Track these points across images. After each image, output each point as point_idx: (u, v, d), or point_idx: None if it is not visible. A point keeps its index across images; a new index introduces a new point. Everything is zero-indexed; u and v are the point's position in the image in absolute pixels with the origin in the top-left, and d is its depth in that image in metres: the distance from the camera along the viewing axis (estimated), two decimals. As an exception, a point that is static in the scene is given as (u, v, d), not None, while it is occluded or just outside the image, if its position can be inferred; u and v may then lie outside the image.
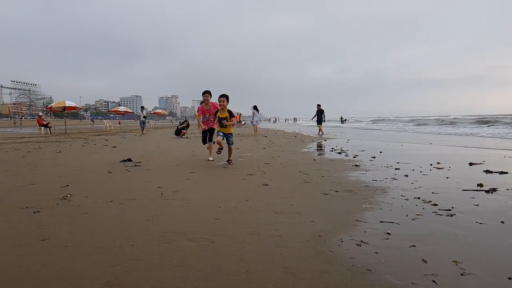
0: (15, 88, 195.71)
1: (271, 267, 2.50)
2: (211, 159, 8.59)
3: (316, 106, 23.78)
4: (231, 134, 7.94)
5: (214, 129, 8.40)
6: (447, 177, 5.90)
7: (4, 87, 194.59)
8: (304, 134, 22.63)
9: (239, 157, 9.41)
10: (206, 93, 8.61)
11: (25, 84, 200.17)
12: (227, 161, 7.98)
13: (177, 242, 3.01)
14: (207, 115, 8.76)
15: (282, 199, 4.47)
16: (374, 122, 62.61)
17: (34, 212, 3.95)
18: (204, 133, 8.95)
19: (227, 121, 7.80)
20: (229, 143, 7.96)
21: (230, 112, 7.90)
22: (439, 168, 6.89)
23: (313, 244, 2.93)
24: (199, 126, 30.62)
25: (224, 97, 7.78)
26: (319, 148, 12.17)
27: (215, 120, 8.13)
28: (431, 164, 7.36)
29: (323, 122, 23.54)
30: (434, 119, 56.18)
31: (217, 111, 8.03)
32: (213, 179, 6.06)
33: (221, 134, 7.80)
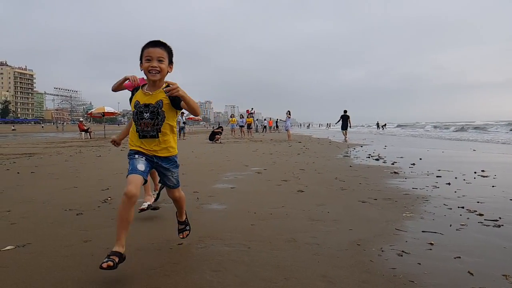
0: (57, 95, 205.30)
1: (309, 275, 2.46)
2: (145, 206, 4.04)
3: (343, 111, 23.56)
4: (171, 159, 2.82)
5: None
6: (493, 186, 5.63)
7: (48, 94, 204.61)
8: (338, 141, 22.32)
9: (272, 162, 9.39)
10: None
11: (66, 90, 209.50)
12: (178, 231, 3.20)
13: (214, 247, 3.02)
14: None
15: (318, 206, 4.40)
16: (410, 128, 60.96)
17: (77, 214, 4.09)
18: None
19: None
20: (169, 186, 2.98)
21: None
22: (484, 176, 6.59)
23: (352, 253, 2.86)
24: (232, 131, 31.04)
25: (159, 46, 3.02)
26: (355, 155, 11.94)
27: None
28: (475, 172, 7.05)
29: (349, 128, 23.28)
30: (475, 125, 54.09)
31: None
32: (247, 185, 6.07)
33: (140, 163, 2.66)
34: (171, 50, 2.73)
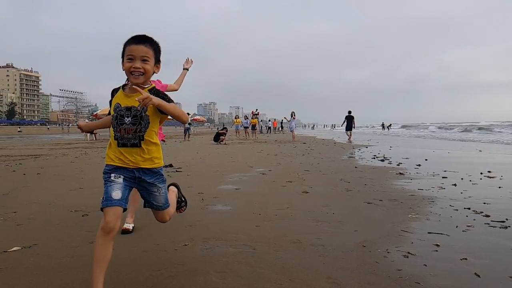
0: (63, 96, 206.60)
1: (314, 277, 2.46)
2: (129, 227, 3.56)
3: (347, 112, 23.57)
4: (156, 171, 2.38)
5: None
6: (499, 187, 5.59)
7: (53, 96, 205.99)
8: (343, 142, 22.28)
9: (277, 163, 9.38)
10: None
11: (72, 92, 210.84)
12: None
13: (219, 248, 3.02)
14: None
15: (323, 207, 4.39)
16: (415, 129, 60.74)
17: (83, 216, 4.11)
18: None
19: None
20: (157, 206, 2.47)
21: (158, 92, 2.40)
22: (490, 177, 6.54)
23: (357, 255, 2.85)
24: (237, 133, 31.05)
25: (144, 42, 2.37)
26: (360, 156, 11.90)
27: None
28: (481, 173, 7.00)
29: (353, 129, 23.29)
30: (480, 125, 53.80)
31: None
32: (252, 186, 6.07)
33: (116, 189, 2.21)
34: (158, 47, 2.34)
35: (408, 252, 2.87)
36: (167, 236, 3.35)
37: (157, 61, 2.32)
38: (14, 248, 3.01)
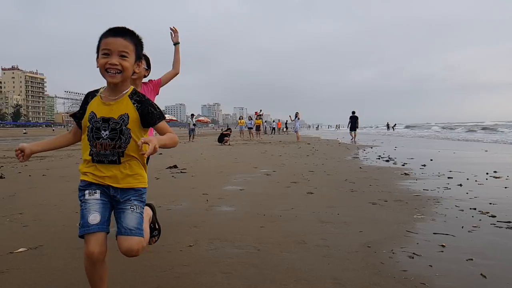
0: (68, 98, 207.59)
1: (319, 278, 2.45)
2: None
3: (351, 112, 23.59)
4: (137, 190, 2.02)
5: None
6: (505, 187, 5.56)
7: (58, 97, 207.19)
8: (348, 142, 22.23)
9: (281, 164, 9.38)
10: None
11: (77, 94, 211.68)
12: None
13: (224, 249, 3.03)
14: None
15: (328, 208, 4.38)
16: (418, 129, 60.49)
17: (88, 216, 4.12)
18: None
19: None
20: (125, 230, 1.97)
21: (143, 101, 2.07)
22: (496, 177, 6.51)
23: (362, 255, 2.84)
24: (241, 133, 31.05)
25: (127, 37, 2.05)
26: (365, 156, 11.87)
27: None
28: (487, 173, 6.96)
29: (357, 129, 23.33)
30: (484, 125, 53.49)
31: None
32: (256, 186, 6.07)
33: (93, 212, 1.92)
34: (140, 42, 2.02)
35: (414, 253, 2.86)
36: (172, 237, 3.35)
37: (139, 58, 2.01)
38: (20, 249, 3.03)
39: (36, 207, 4.62)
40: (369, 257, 2.80)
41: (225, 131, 22.48)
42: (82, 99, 2.11)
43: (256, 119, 30.58)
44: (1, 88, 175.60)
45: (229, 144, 19.96)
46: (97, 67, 1.92)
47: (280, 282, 2.39)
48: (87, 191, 1.94)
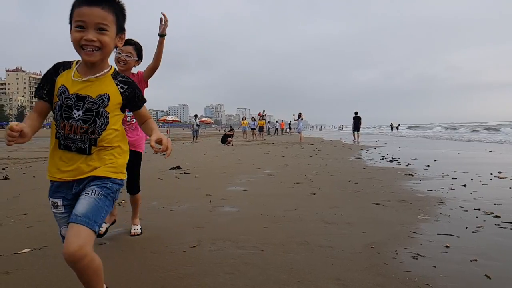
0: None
1: (323, 278, 2.45)
2: (102, 229, 3.26)
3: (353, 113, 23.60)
4: (108, 181, 1.73)
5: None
6: (510, 188, 5.53)
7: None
8: (351, 143, 22.19)
9: (284, 165, 9.37)
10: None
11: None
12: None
13: (227, 249, 3.03)
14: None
15: (332, 209, 4.38)
16: (421, 129, 60.31)
17: (92, 217, 4.13)
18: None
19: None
20: (74, 216, 1.64)
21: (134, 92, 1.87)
22: (500, 178, 6.48)
23: (366, 256, 2.84)
24: (244, 134, 31.05)
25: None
26: (369, 157, 11.84)
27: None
28: (491, 174, 6.93)
29: (360, 130, 23.33)
30: (487, 125, 53.28)
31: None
32: (259, 187, 6.07)
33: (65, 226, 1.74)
34: (122, 9, 1.69)
35: (417, 254, 2.85)
36: (175, 237, 3.36)
37: (120, 30, 1.69)
38: (25, 250, 3.05)
39: (40, 208, 4.63)
40: (372, 258, 2.79)
41: (228, 131, 22.51)
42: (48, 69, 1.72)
43: (259, 119, 30.58)
44: (5, 89, 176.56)
45: (232, 145, 19.97)
46: (71, 41, 1.61)
47: (284, 282, 2.39)
48: (50, 201, 1.74)
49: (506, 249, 2.95)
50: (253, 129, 29.79)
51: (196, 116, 28.68)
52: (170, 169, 8.62)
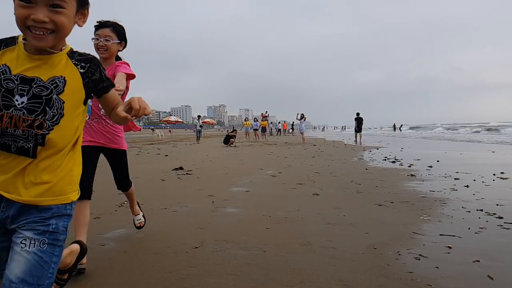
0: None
1: (325, 279, 2.45)
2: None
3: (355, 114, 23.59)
4: (48, 210, 1.27)
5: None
6: (512, 188, 5.52)
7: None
8: (353, 143, 22.17)
9: (287, 165, 9.37)
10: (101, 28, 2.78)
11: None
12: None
13: (229, 250, 3.03)
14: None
15: (334, 210, 4.38)
16: (423, 130, 60.18)
17: (94, 218, 4.14)
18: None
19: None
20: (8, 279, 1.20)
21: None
22: (503, 178, 6.46)
23: (368, 257, 2.84)
24: (246, 135, 31.07)
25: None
26: (371, 157, 11.82)
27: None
28: (494, 174, 6.92)
29: (362, 130, 23.33)
30: (489, 126, 53.12)
31: None
32: (262, 188, 6.07)
33: None
34: None
35: (420, 255, 2.85)
36: (178, 238, 3.37)
37: (82, 5, 1.31)
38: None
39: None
40: (375, 259, 2.79)
41: (231, 132, 22.52)
42: None
43: (261, 120, 30.59)
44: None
45: (235, 146, 19.98)
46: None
47: (286, 283, 2.39)
48: None
49: (508, 250, 2.95)
50: (255, 130, 29.80)
51: (199, 117, 28.74)
52: (172, 170, 8.64)
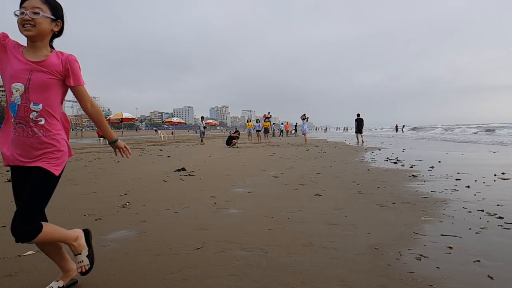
0: (76, 101, 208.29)
1: (327, 280, 2.46)
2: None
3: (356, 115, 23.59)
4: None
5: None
6: (514, 189, 5.51)
7: (67, 101, 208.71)
8: (355, 144, 22.14)
9: (289, 166, 9.38)
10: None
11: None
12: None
13: (231, 251, 3.04)
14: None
15: (336, 210, 4.38)
16: (424, 131, 60.08)
17: (96, 220, 4.16)
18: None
19: None
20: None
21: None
22: (504, 179, 6.45)
23: (369, 257, 2.84)
24: (249, 136, 31.03)
25: None
26: (373, 158, 11.81)
27: None
28: (495, 175, 6.91)
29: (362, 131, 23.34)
30: (489, 127, 52.98)
31: None
32: (264, 189, 6.08)
33: None
34: None
35: (421, 255, 2.85)
36: (180, 239, 3.38)
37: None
38: (28, 252, 3.07)
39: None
40: (376, 259, 2.80)
41: (233, 133, 22.52)
42: None
43: (264, 121, 30.59)
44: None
45: (237, 147, 19.98)
46: None
47: (288, 284, 2.40)
48: None
49: (509, 250, 2.95)
50: (258, 131, 29.78)
51: (202, 117, 28.79)
52: (174, 171, 8.66)
